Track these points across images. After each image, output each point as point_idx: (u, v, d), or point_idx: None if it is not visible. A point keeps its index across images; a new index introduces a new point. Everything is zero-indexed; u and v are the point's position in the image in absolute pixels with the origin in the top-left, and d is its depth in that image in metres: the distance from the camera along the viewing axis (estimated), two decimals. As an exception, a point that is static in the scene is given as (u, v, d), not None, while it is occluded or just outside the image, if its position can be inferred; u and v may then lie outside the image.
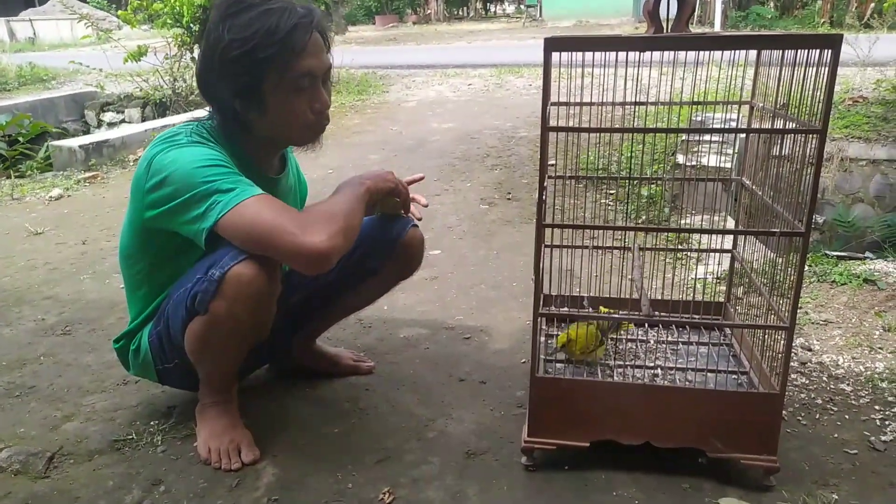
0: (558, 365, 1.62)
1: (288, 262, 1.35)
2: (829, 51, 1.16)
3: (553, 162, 2.12)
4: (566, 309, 1.73)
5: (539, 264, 1.43)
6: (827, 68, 1.17)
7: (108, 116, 7.80)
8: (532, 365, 1.43)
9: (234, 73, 1.34)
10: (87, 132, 7.34)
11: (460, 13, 25.04)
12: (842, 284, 2.43)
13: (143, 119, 7.29)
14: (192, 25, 5.96)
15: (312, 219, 1.33)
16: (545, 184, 1.35)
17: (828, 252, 3.07)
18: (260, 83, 1.35)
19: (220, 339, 1.44)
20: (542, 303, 1.49)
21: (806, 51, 1.22)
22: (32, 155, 5.46)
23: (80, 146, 4.93)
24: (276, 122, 1.42)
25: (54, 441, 1.62)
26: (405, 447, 1.58)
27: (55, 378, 1.93)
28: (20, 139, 5.51)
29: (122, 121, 7.61)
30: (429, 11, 23.21)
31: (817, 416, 1.67)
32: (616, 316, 1.62)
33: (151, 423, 1.69)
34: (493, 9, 26.52)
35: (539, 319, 1.44)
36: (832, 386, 1.81)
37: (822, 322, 2.17)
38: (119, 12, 6.29)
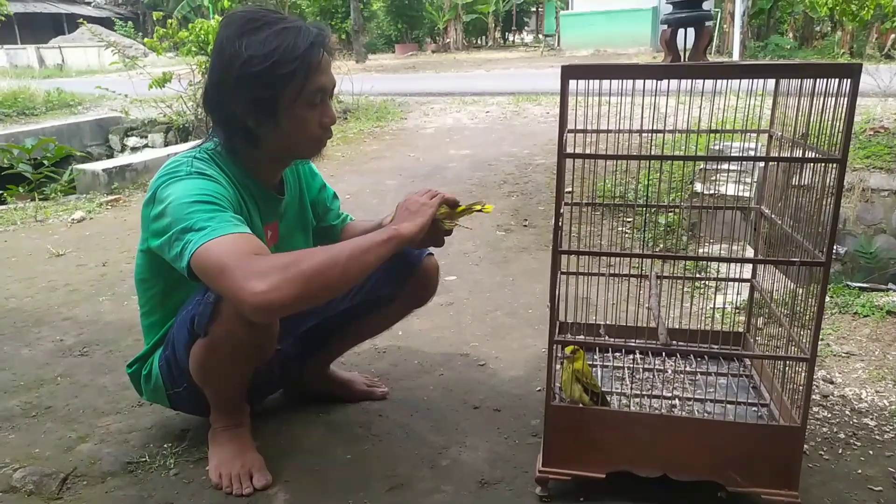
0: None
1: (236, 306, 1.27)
2: (848, 80, 1.16)
3: (570, 189, 2.13)
4: (582, 337, 1.72)
5: (555, 291, 1.42)
6: (846, 98, 1.16)
7: (132, 141, 7.97)
8: (547, 393, 1.41)
9: (252, 88, 1.35)
10: (110, 156, 7.50)
11: (479, 42, 25.32)
12: (864, 316, 2.39)
13: (166, 144, 7.43)
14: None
15: (267, 265, 1.22)
16: (561, 210, 1.35)
17: (850, 283, 3.03)
18: (276, 98, 1.37)
19: (221, 361, 1.44)
20: (557, 330, 1.48)
21: (825, 80, 1.22)
22: (57, 178, 5.56)
23: (104, 170, 5.02)
24: (286, 135, 1.43)
25: (68, 462, 1.62)
26: (418, 475, 1.56)
27: (71, 399, 1.94)
28: (45, 162, 5.61)
29: (146, 145, 7.77)
30: (448, 40, 23.49)
31: (840, 451, 1.63)
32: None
33: (165, 445, 1.68)
34: (511, 38, 26.77)
35: (554, 347, 1.43)
36: (855, 420, 1.76)
37: (844, 354, 2.13)
38: (145, 40, 6.44)
